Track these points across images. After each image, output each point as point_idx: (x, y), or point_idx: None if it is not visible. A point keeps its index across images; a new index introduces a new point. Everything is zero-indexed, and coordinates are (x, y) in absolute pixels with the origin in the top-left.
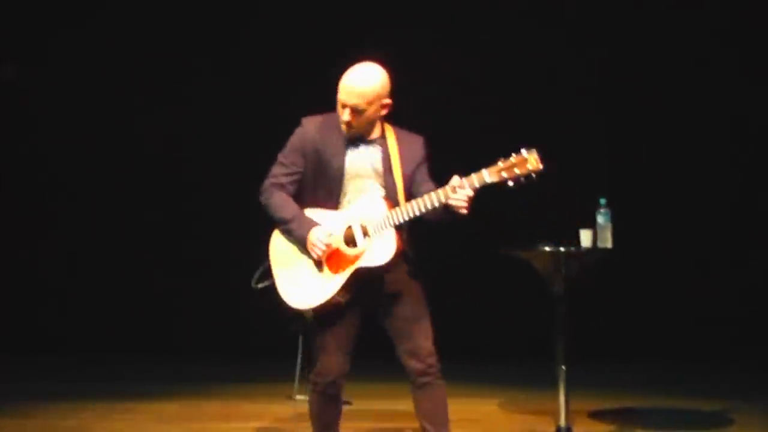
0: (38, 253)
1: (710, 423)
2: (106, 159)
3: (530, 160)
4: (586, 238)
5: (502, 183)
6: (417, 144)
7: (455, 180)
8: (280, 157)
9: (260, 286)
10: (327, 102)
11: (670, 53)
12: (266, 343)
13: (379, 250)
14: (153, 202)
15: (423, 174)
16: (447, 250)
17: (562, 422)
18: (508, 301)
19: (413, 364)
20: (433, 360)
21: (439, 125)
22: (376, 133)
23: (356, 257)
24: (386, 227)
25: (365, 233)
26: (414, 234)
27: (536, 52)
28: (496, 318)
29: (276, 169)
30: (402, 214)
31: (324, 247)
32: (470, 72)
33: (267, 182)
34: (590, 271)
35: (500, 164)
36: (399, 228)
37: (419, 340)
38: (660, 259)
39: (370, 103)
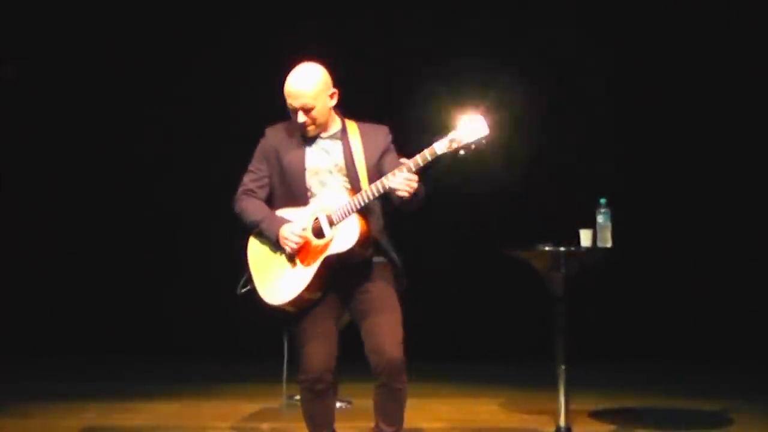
0: (38, 253)
1: (710, 423)
2: (107, 158)
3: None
4: (586, 237)
5: (455, 153)
6: (380, 133)
7: (397, 169)
8: (249, 166)
9: (243, 291)
10: None
11: (670, 53)
12: (266, 343)
13: (344, 235)
14: (153, 201)
15: (393, 161)
16: (447, 250)
17: (562, 422)
18: (508, 301)
19: (374, 363)
20: (395, 363)
21: (439, 123)
22: (335, 127)
23: (325, 246)
24: (349, 213)
25: (331, 222)
26: (390, 224)
27: (536, 52)
28: (496, 318)
29: (245, 178)
30: (361, 198)
31: (298, 239)
32: (470, 71)
33: (238, 191)
34: (590, 271)
35: (451, 134)
36: (364, 213)
37: (382, 339)
38: (660, 259)
39: (316, 98)
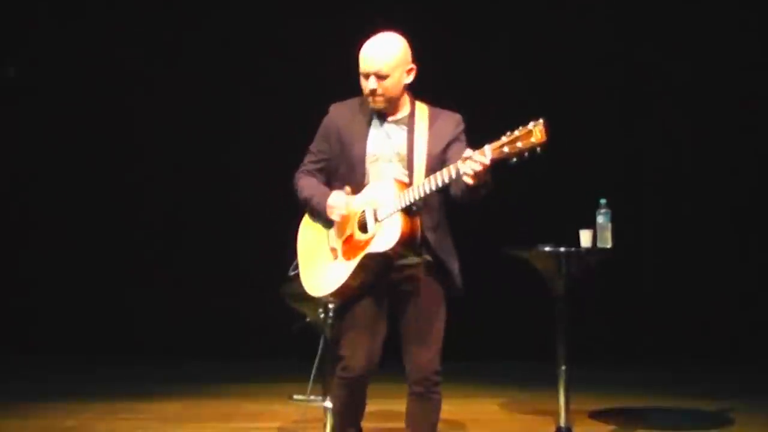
0: (38, 253)
1: (710, 423)
2: (108, 158)
3: (534, 133)
4: (586, 238)
5: (504, 160)
6: (450, 121)
7: (467, 152)
8: (310, 147)
9: (292, 273)
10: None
11: (670, 53)
12: (266, 343)
13: (386, 234)
14: (153, 201)
15: (459, 151)
16: None
17: (562, 422)
18: (509, 301)
19: (411, 372)
20: (430, 372)
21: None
22: (404, 111)
23: (366, 242)
24: (394, 210)
25: (376, 218)
26: (448, 223)
27: (537, 52)
28: (496, 318)
29: (306, 158)
30: (410, 194)
31: (343, 206)
32: (469, 71)
33: (298, 170)
34: (590, 271)
35: (503, 139)
36: (410, 211)
37: (422, 349)
38: (660, 259)
39: (393, 68)
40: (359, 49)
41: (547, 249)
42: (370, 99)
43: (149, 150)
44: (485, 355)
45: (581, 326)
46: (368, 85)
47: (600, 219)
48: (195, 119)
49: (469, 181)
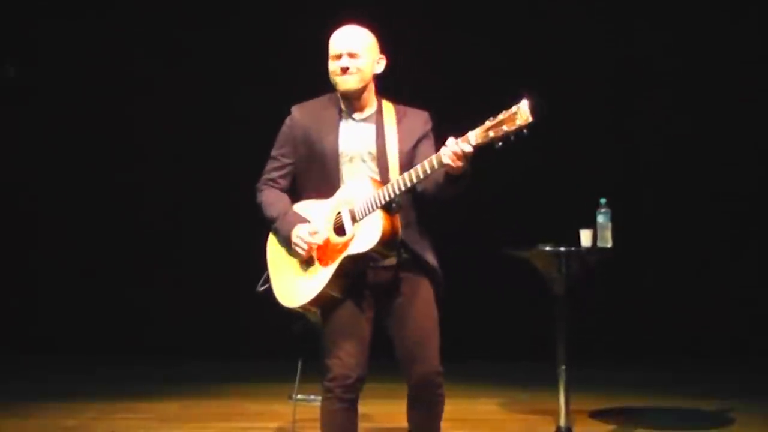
0: (38, 253)
1: (710, 423)
2: (109, 158)
3: (519, 114)
4: (586, 237)
5: (490, 144)
6: (418, 119)
7: (449, 140)
8: (272, 152)
9: (261, 289)
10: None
11: (671, 52)
12: (266, 343)
13: (366, 234)
14: (153, 201)
15: (428, 149)
16: (447, 250)
17: (563, 422)
18: (509, 301)
19: (411, 376)
20: (433, 374)
21: (437, 122)
22: (371, 108)
23: (345, 245)
24: (373, 209)
25: (353, 218)
26: (422, 220)
27: (538, 51)
28: (496, 318)
29: (267, 166)
30: (388, 191)
31: (306, 246)
32: (469, 69)
33: (260, 180)
34: (590, 270)
35: (487, 123)
36: (389, 209)
37: (421, 351)
38: (660, 258)
39: (364, 49)
40: (328, 39)
41: (547, 249)
42: (341, 79)
43: (149, 150)
44: (485, 355)
45: (581, 326)
46: (340, 63)
47: (600, 218)
48: (196, 119)
49: (452, 170)
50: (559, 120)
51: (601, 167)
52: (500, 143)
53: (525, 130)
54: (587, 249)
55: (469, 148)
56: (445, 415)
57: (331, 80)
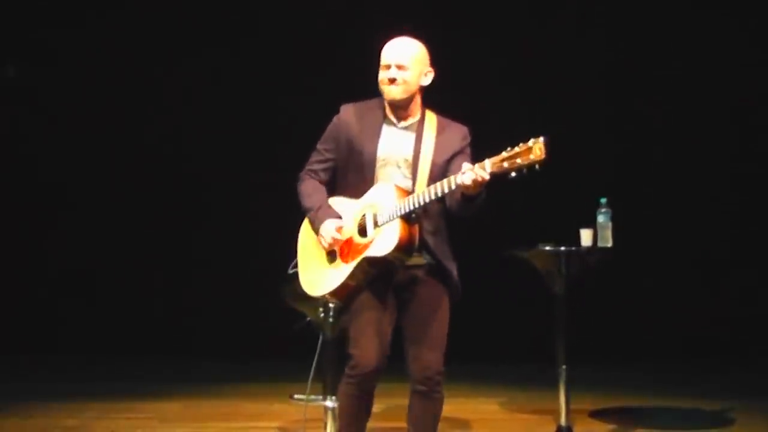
0: (38, 253)
1: (710, 423)
2: (108, 158)
3: (534, 150)
4: (586, 237)
5: (504, 174)
6: (457, 133)
7: (465, 166)
8: (317, 145)
9: (291, 271)
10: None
11: (671, 52)
12: (266, 342)
13: (384, 240)
14: (154, 201)
15: (461, 165)
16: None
17: (563, 422)
18: (509, 301)
19: (414, 371)
20: (433, 372)
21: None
22: (414, 117)
23: (365, 246)
24: (394, 217)
25: (375, 223)
26: (447, 229)
27: (538, 51)
28: (496, 318)
29: (312, 158)
30: (410, 203)
31: (330, 240)
32: (469, 69)
33: (303, 170)
34: (590, 270)
35: (504, 154)
36: (409, 219)
37: (425, 349)
38: (660, 258)
39: (413, 62)
40: (381, 49)
41: (547, 248)
42: (387, 89)
43: (149, 150)
44: (485, 355)
45: (581, 326)
46: (388, 74)
47: (600, 218)
48: (197, 119)
49: (468, 191)
50: (559, 120)
51: (601, 167)
52: (513, 174)
53: (537, 166)
54: (587, 249)
55: (485, 175)
56: (445, 415)
57: (379, 87)
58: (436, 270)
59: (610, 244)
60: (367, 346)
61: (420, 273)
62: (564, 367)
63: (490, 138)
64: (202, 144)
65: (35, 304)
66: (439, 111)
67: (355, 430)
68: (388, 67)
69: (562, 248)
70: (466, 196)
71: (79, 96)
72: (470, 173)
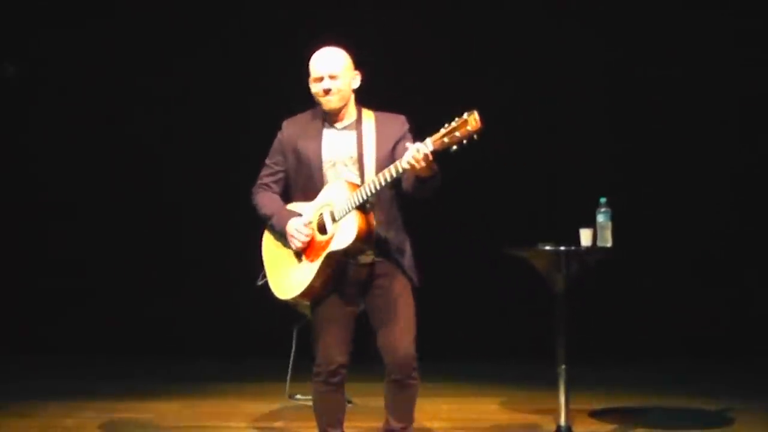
0: (38, 253)
1: (710, 423)
2: (108, 158)
3: (470, 121)
4: (586, 237)
5: (446, 149)
6: (395, 122)
7: (409, 145)
8: (266, 161)
9: (260, 283)
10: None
11: (672, 52)
12: (266, 342)
13: (343, 232)
14: (151, 201)
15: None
16: (447, 250)
17: (563, 421)
18: (509, 301)
19: (388, 361)
20: (408, 359)
21: (437, 122)
22: (351, 117)
23: (327, 243)
24: (349, 209)
25: (333, 218)
26: (401, 215)
27: (538, 51)
28: (497, 317)
29: (262, 172)
30: (362, 193)
31: (304, 237)
32: (469, 69)
33: (255, 185)
34: (590, 270)
35: (442, 130)
36: (364, 208)
37: (395, 337)
38: (660, 258)
39: (343, 70)
40: (308, 63)
41: (547, 248)
42: (325, 99)
43: (147, 149)
44: (485, 355)
45: (581, 325)
46: (322, 85)
47: (600, 218)
48: (197, 119)
49: (419, 173)
50: (559, 120)
51: (601, 167)
52: (454, 147)
53: (475, 136)
54: (587, 248)
55: (427, 151)
56: (445, 415)
57: (315, 99)
58: (390, 260)
59: (609, 244)
60: (331, 343)
61: (374, 269)
62: (564, 366)
63: (492, 136)
64: (201, 143)
65: (35, 304)
66: (373, 107)
67: (331, 426)
68: (321, 79)
69: (562, 248)
70: (419, 178)
71: (78, 95)
72: (413, 152)
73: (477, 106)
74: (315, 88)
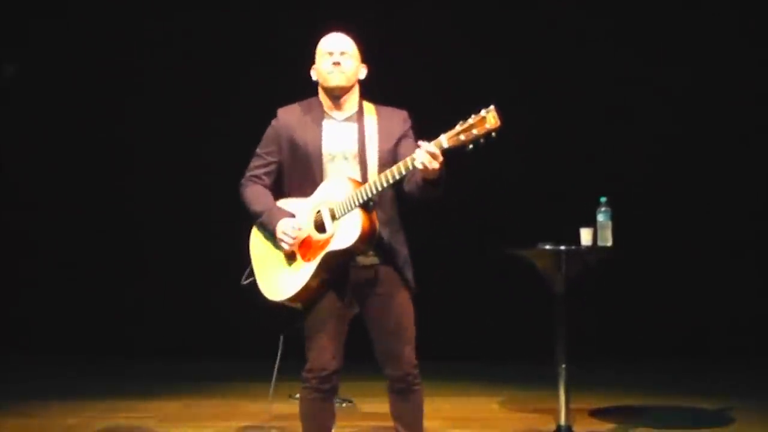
0: (37, 253)
1: (710, 423)
2: (107, 158)
3: (488, 119)
4: (586, 236)
5: (461, 147)
6: (398, 118)
7: (422, 143)
8: (257, 150)
9: (245, 282)
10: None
11: (671, 53)
12: (266, 342)
13: (345, 231)
14: (151, 201)
15: (409, 148)
16: (447, 250)
17: (563, 421)
18: (509, 301)
19: (389, 371)
20: (410, 367)
21: (437, 122)
22: (353, 108)
23: (326, 242)
24: (352, 207)
25: (333, 216)
26: (400, 217)
27: (538, 51)
28: (497, 318)
29: (252, 163)
30: (366, 191)
31: (291, 240)
32: (468, 69)
33: (244, 176)
34: (590, 270)
35: (457, 128)
36: (367, 207)
37: (397, 346)
38: (660, 257)
39: (353, 52)
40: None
41: (547, 247)
42: (331, 75)
43: (146, 149)
44: (485, 355)
45: (581, 326)
46: (332, 59)
47: (600, 217)
48: (196, 119)
49: (428, 172)
50: (559, 120)
51: (601, 167)
52: (470, 146)
53: (493, 134)
54: (587, 248)
55: (436, 151)
56: (445, 415)
57: (320, 78)
58: (391, 264)
59: (609, 244)
60: (322, 348)
61: (373, 273)
62: (564, 366)
63: (491, 139)
64: (200, 143)
65: (35, 304)
66: (374, 100)
67: None
68: (331, 53)
69: (562, 248)
70: (427, 180)
71: (73, 96)
72: (426, 151)
73: (477, 105)
74: (324, 63)
